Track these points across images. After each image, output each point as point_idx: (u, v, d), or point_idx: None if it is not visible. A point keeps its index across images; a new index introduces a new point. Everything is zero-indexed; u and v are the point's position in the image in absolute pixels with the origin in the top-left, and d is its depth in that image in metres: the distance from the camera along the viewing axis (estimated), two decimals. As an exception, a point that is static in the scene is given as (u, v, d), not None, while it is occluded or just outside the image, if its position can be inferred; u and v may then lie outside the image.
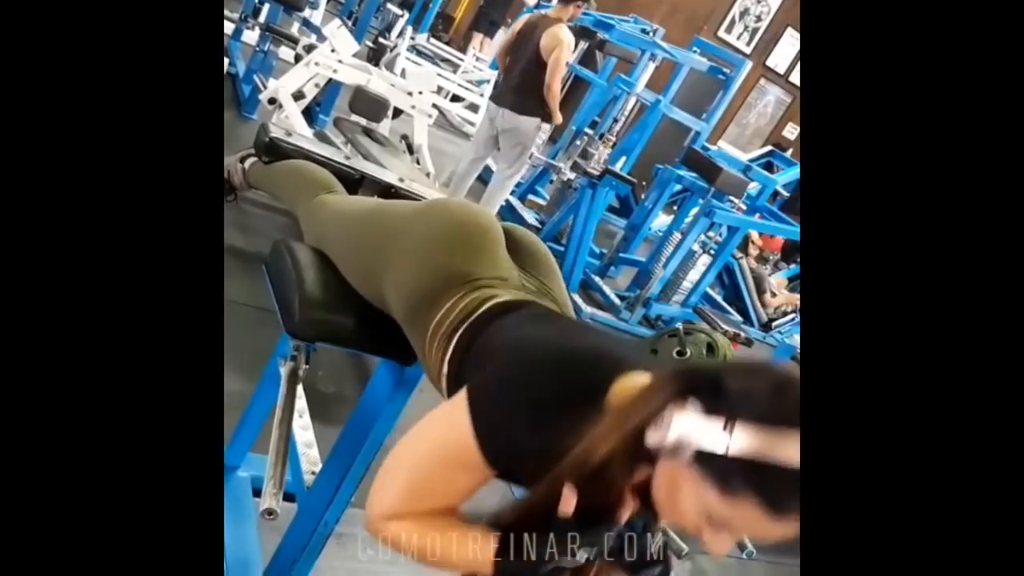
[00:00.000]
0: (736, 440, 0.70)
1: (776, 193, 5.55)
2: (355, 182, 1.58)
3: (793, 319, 5.90)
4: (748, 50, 9.37)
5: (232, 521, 1.73)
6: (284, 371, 1.04)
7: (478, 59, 7.84)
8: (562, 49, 4.02)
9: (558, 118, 4.47)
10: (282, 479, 0.87)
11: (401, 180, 1.69)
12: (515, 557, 0.82)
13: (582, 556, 0.81)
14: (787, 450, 0.69)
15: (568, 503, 0.80)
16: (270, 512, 0.83)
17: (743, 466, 0.70)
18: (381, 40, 6.10)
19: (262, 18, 4.54)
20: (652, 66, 5.17)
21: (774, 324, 5.80)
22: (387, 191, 1.66)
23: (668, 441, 0.74)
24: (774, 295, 6.16)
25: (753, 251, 6.59)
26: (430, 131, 3.63)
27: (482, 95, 6.84)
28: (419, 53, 6.93)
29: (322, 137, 2.90)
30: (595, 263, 4.95)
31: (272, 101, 3.05)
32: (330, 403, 2.39)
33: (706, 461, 0.72)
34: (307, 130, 3.02)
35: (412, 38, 6.08)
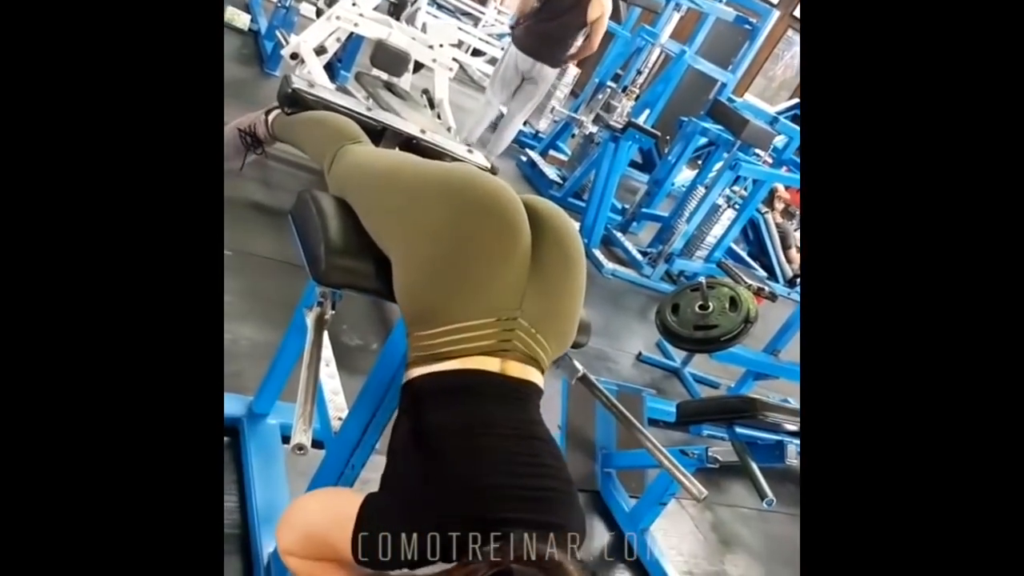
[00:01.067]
0: None
1: (803, 146, 5.47)
2: (377, 133, 1.58)
3: (818, 275, 5.85)
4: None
5: (261, 466, 1.78)
6: (311, 318, 1.06)
7: (499, 12, 7.71)
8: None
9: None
10: (311, 417, 0.90)
11: (423, 132, 1.69)
12: None
13: None
14: None
15: None
16: (300, 447, 0.87)
17: None
18: (401, -6, 6.02)
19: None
20: (677, 16, 5.06)
21: (799, 280, 5.77)
22: (408, 143, 1.66)
23: None
24: (799, 250, 6.11)
25: (779, 206, 6.51)
26: (450, 86, 3.62)
27: (502, 49, 6.75)
28: (439, 7, 6.83)
29: (343, 91, 2.89)
30: (617, 219, 4.92)
31: (294, 56, 3.05)
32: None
33: None
34: (329, 84, 3.01)
35: (433, -9, 5.99)
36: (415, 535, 0.93)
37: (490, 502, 0.95)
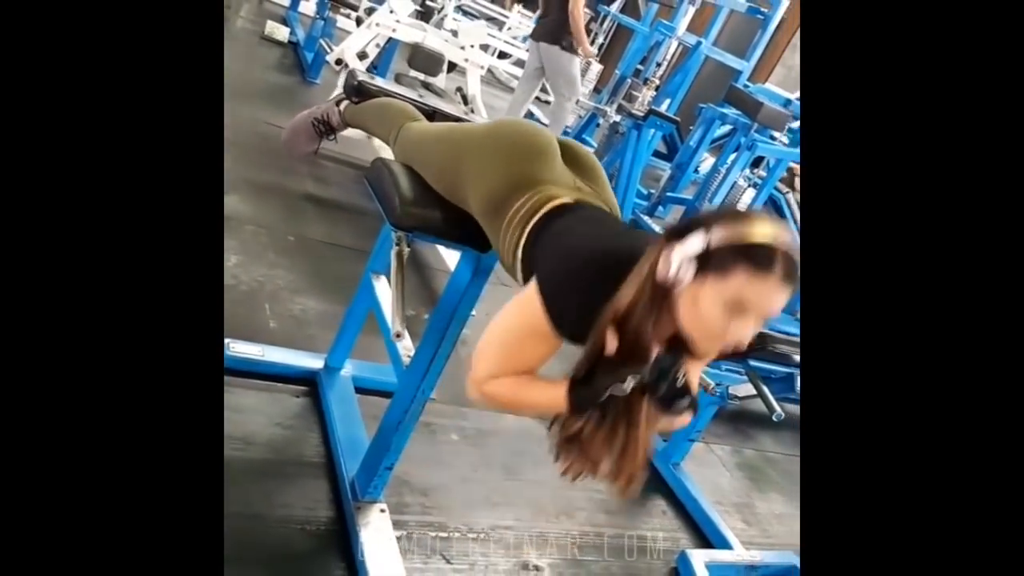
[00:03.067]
0: (713, 236, 1.00)
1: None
2: (428, 116, 1.87)
3: (842, 251, 6.02)
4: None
5: (339, 409, 2.06)
6: (393, 253, 1.35)
7: (522, 15, 8.00)
8: None
9: (586, 47, 4.79)
10: (404, 312, 1.18)
11: (467, 113, 1.97)
12: (580, 388, 1.13)
13: (628, 384, 1.10)
14: (748, 230, 0.99)
15: (611, 345, 1.09)
16: (398, 335, 1.14)
17: (726, 251, 0.99)
18: (428, 2, 6.34)
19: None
20: (692, 10, 5.29)
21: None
22: (456, 122, 1.95)
23: (672, 269, 1.02)
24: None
25: (798, 185, 6.69)
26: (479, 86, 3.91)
27: (527, 50, 7.05)
28: (465, 13, 7.14)
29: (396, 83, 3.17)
30: (643, 203, 5.17)
31: (339, 62, 3.36)
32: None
33: (703, 266, 1.01)
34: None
35: (457, -2, 6.31)
36: (585, 267, 1.12)
37: (634, 237, 1.18)
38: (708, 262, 1.00)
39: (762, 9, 5.42)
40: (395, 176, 1.44)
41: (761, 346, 2.05)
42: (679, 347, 1.11)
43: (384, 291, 2.03)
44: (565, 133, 5.99)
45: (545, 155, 1.39)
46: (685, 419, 1.15)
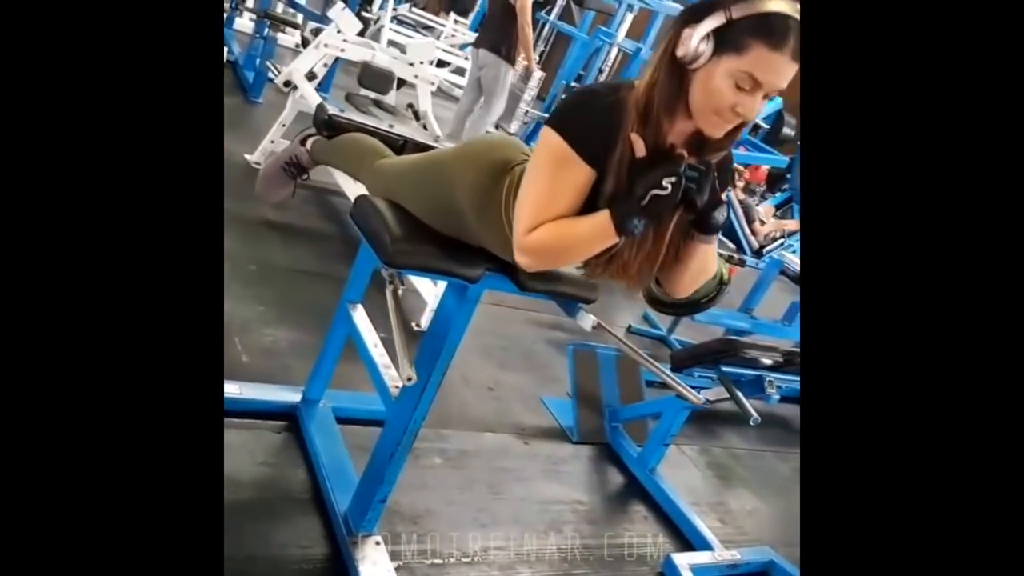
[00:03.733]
0: (733, 12, 1.05)
1: (757, 127, 5.84)
2: (400, 146, 1.88)
3: (781, 243, 6.23)
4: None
5: (323, 441, 2.06)
6: (389, 292, 1.36)
7: (457, 22, 8.01)
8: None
9: (531, 57, 4.81)
10: (411, 354, 1.20)
11: (436, 140, 1.99)
12: (622, 202, 1.13)
13: (667, 184, 1.11)
14: (765, 3, 1.04)
15: (639, 145, 1.13)
16: (410, 378, 1.16)
17: (746, 25, 1.04)
18: (364, 14, 6.30)
19: (250, 3, 4.76)
20: (630, 16, 5.39)
21: (765, 250, 6.12)
22: (425, 150, 1.96)
23: (692, 46, 1.06)
24: (763, 223, 6.48)
25: (740, 183, 6.89)
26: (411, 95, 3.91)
27: (466, 59, 7.07)
28: (401, 23, 7.12)
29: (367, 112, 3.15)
30: (593, 208, 5.25)
31: (287, 84, 3.32)
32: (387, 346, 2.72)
33: (721, 44, 1.06)
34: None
35: (394, 9, 6.28)
36: (597, 96, 1.16)
37: None
38: (726, 39, 1.06)
39: (697, 13, 5.57)
40: (381, 213, 1.45)
41: (732, 352, 2.13)
42: (702, 151, 1.18)
43: (362, 321, 2.03)
44: (511, 141, 6.05)
45: (519, 147, 1.44)
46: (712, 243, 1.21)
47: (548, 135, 1.17)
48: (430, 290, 2.84)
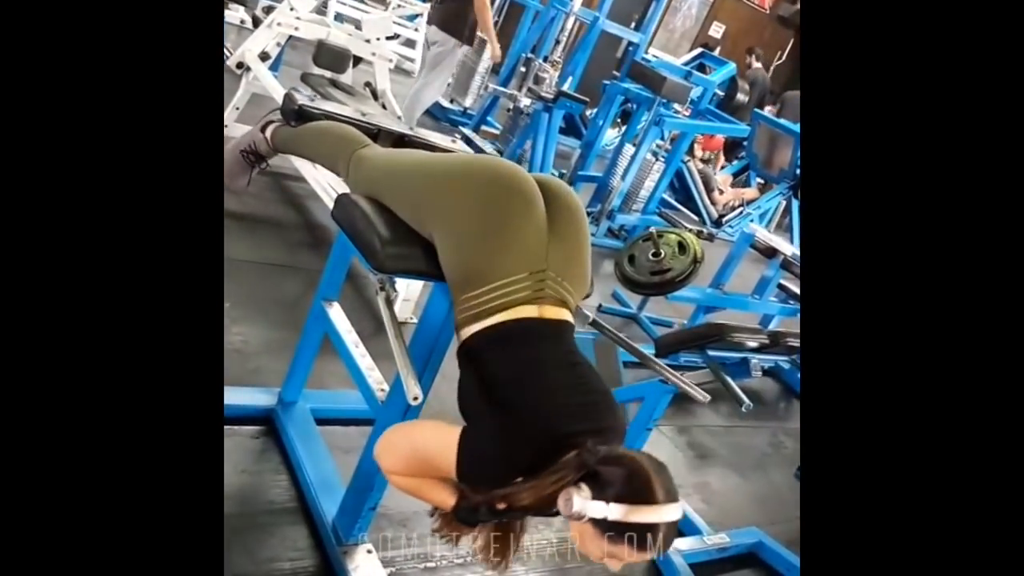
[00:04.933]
0: (612, 511, 1.10)
1: (714, 94, 5.83)
2: (372, 135, 1.78)
3: (740, 212, 6.28)
4: (669, -45, 9.46)
5: (304, 445, 1.97)
6: (381, 299, 1.28)
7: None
8: None
9: (497, 51, 4.71)
10: (415, 373, 1.13)
11: (411, 130, 1.89)
12: (465, 511, 1.28)
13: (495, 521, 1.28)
14: (640, 516, 1.10)
15: (500, 507, 1.24)
16: (416, 397, 1.09)
17: (618, 526, 1.10)
18: (311, -14, 6.06)
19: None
20: (586, -15, 5.28)
21: (724, 219, 6.17)
22: (400, 139, 1.86)
23: (571, 511, 1.12)
24: (721, 192, 6.52)
25: (699, 153, 6.91)
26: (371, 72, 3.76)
27: (416, 29, 6.88)
28: (349, -6, 6.87)
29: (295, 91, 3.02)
30: (555, 183, 5.19)
31: (240, 65, 3.16)
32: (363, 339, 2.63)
33: (596, 523, 1.12)
34: (280, 88, 3.14)
35: (342, -20, 6.06)
36: (506, 460, 1.20)
37: (560, 422, 1.20)
38: (600, 525, 1.12)
39: (654, -18, 5.50)
40: (368, 215, 1.36)
41: (719, 336, 2.11)
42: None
43: (340, 319, 1.94)
44: (469, 118, 5.92)
45: (523, 213, 1.36)
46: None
47: (452, 449, 1.23)
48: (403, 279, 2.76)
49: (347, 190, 1.60)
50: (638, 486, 1.12)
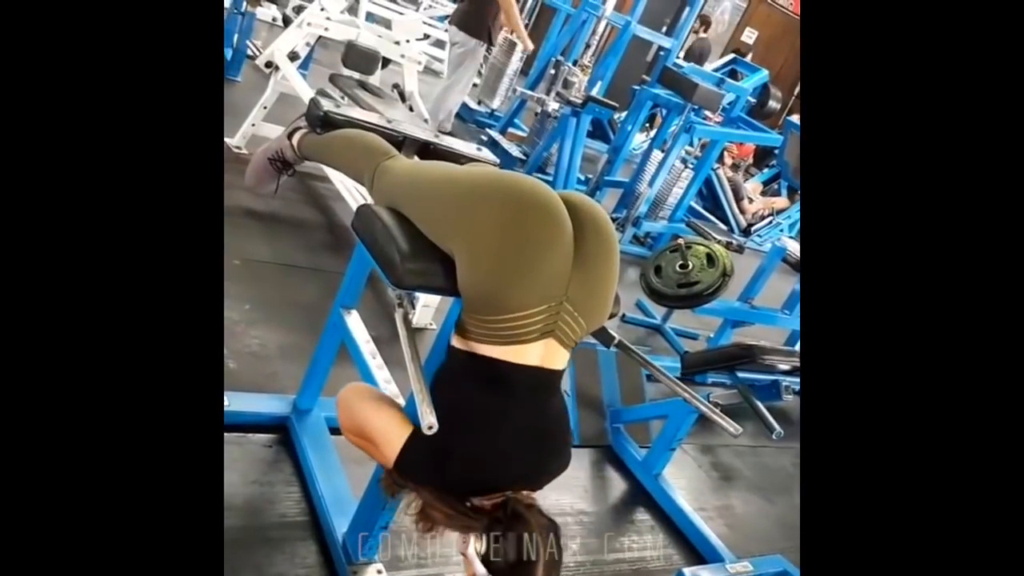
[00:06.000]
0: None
1: (746, 100, 5.72)
2: (398, 142, 1.73)
3: (770, 222, 6.16)
4: (703, -42, 9.34)
5: (317, 456, 1.93)
6: (399, 317, 1.23)
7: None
8: None
9: (527, 43, 4.65)
10: (430, 400, 1.07)
11: (436, 137, 1.84)
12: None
13: None
14: None
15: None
16: (431, 426, 1.04)
17: None
18: (342, -16, 6.04)
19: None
20: (619, -12, 5.21)
21: (753, 228, 6.06)
22: (426, 148, 1.81)
23: (461, 552, 1.25)
24: (751, 200, 6.41)
25: (727, 160, 6.80)
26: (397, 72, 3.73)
27: (446, 30, 6.84)
28: (380, -6, 6.85)
29: (323, 95, 2.99)
30: (581, 189, 5.12)
31: (269, 64, 3.13)
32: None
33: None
34: (308, 89, 3.11)
35: (373, -21, 6.02)
36: (439, 484, 1.28)
37: (499, 475, 1.29)
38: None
39: (688, -14, 5.41)
40: (389, 228, 1.31)
41: (750, 357, 2.03)
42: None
43: (357, 328, 1.89)
44: (496, 120, 5.86)
45: (548, 238, 1.29)
46: None
47: (397, 444, 1.32)
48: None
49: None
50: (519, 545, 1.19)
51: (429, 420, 1.04)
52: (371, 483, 1.68)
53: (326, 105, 1.62)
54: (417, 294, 2.57)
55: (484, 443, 1.27)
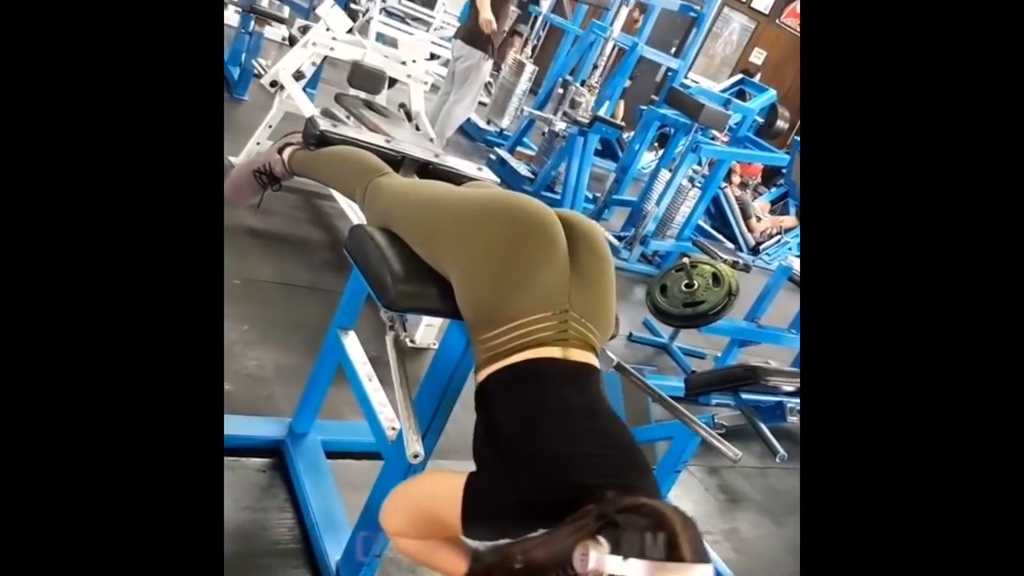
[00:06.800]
0: (632, 569, 0.95)
1: (753, 120, 5.70)
2: (396, 162, 1.71)
3: (778, 240, 6.12)
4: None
5: (312, 481, 1.90)
6: (389, 340, 1.20)
7: (447, 14, 7.81)
8: None
9: (487, 18, 4.65)
10: (418, 428, 1.04)
11: (436, 156, 1.83)
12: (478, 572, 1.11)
13: None
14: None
15: (515, 566, 1.05)
16: (416, 455, 1.00)
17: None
18: (352, 6, 6.10)
19: (236, -3, 4.55)
20: (626, 11, 5.22)
21: (761, 247, 6.02)
22: (425, 167, 1.80)
23: (588, 570, 0.97)
24: (759, 219, 6.36)
25: (735, 179, 6.76)
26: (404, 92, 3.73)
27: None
28: (390, 15, 6.91)
29: (328, 114, 2.99)
30: (589, 207, 5.10)
31: (274, 84, 3.14)
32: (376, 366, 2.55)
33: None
34: (313, 108, 3.11)
35: (382, 1, 6.08)
36: (515, 508, 1.09)
37: (577, 472, 1.10)
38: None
39: (695, 7, 5.40)
40: (381, 249, 1.29)
41: (754, 379, 1.99)
42: None
43: (355, 349, 1.86)
44: (505, 139, 5.87)
45: (544, 253, 1.27)
46: None
47: (456, 497, 1.12)
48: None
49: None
50: (663, 542, 0.98)
51: (415, 448, 1.01)
52: (366, 507, 1.65)
53: (322, 124, 1.61)
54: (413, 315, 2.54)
55: (550, 436, 1.15)
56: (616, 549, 0.97)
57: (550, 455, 1.12)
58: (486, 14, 4.38)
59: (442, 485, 1.16)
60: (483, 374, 1.24)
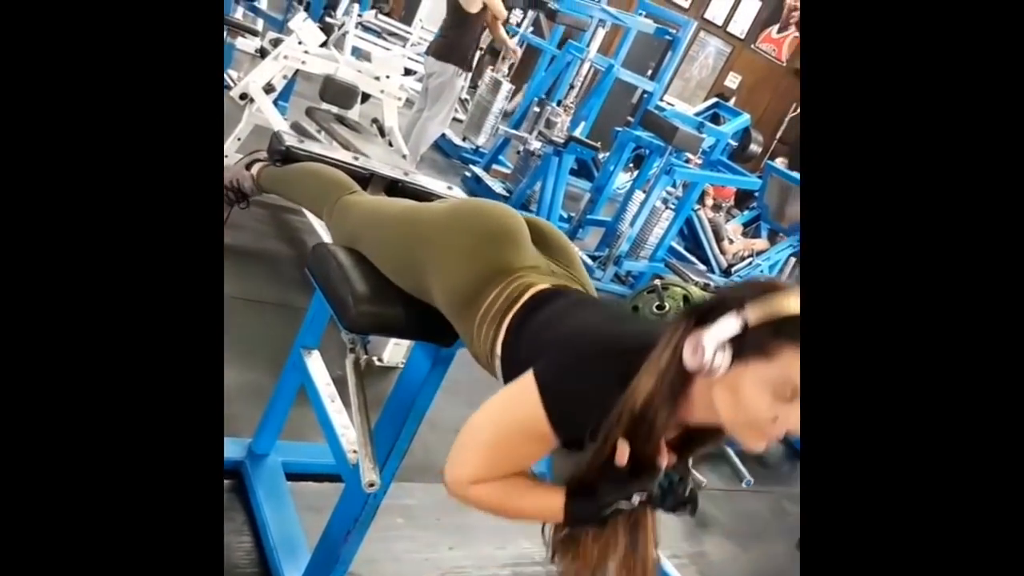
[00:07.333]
0: (749, 315, 0.88)
1: (726, 144, 5.76)
2: (365, 179, 1.69)
3: (750, 263, 6.16)
4: (686, 4, 9.51)
5: (271, 504, 1.85)
6: (349, 363, 1.17)
7: (424, 30, 7.81)
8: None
9: (514, 48, 4.71)
10: (375, 456, 1.01)
11: (406, 174, 1.80)
12: (582, 502, 0.97)
13: (636, 499, 0.98)
14: (786, 302, 0.88)
15: (622, 454, 0.96)
16: (372, 484, 0.97)
17: (766, 330, 0.88)
18: (328, 19, 6.06)
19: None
20: (602, 32, 5.26)
21: (734, 269, 6.05)
22: (393, 185, 1.77)
23: (706, 357, 0.89)
24: (731, 241, 6.41)
25: (708, 201, 6.82)
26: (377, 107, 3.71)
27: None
28: (366, 29, 6.89)
29: (298, 128, 2.96)
30: (564, 226, 5.10)
31: (243, 96, 3.10)
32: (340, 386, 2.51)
33: (741, 352, 0.89)
34: (283, 122, 3.07)
35: (358, 15, 6.05)
36: (593, 357, 1.00)
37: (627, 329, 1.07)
38: (746, 345, 0.89)
39: (671, 31, 5.46)
40: (343, 268, 1.26)
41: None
42: (687, 448, 1.05)
43: (318, 370, 1.82)
44: (481, 156, 5.86)
45: (515, 241, 1.27)
46: None
47: (528, 396, 1.00)
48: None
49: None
50: (759, 285, 0.93)
51: (371, 477, 0.98)
52: (325, 532, 1.61)
53: (288, 140, 1.58)
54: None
55: (571, 318, 1.09)
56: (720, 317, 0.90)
57: (600, 323, 1.09)
58: (500, 34, 4.51)
59: (508, 394, 1.05)
60: (499, 341, 1.16)
